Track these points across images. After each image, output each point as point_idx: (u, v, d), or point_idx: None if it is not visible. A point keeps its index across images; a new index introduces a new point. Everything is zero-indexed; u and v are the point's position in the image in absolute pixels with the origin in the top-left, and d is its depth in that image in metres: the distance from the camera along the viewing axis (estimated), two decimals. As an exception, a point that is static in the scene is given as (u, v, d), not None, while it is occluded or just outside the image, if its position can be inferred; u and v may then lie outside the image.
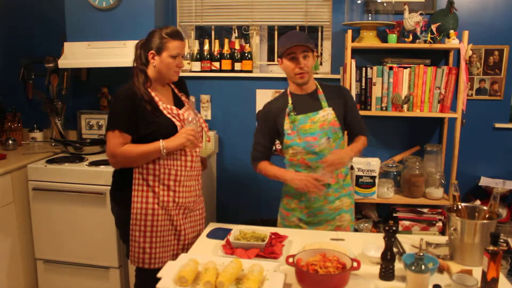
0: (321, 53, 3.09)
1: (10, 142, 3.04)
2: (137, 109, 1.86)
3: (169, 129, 1.90)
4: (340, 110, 2.04)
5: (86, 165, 2.69)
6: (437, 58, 2.87)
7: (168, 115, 1.91)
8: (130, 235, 1.95)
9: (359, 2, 2.87)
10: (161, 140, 1.85)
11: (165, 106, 1.93)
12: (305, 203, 2.06)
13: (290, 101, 2.04)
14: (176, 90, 2.09)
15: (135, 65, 1.95)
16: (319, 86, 2.07)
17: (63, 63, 2.85)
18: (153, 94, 1.92)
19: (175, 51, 1.90)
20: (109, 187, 2.07)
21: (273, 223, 2.23)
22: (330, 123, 2.00)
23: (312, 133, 1.99)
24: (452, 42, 2.62)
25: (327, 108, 2.02)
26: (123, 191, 1.95)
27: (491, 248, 1.42)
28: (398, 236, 1.82)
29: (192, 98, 2.10)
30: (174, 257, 1.99)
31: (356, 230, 2.76)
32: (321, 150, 1.98)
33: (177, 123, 1.91)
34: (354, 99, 2.70)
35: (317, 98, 2.04)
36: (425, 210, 2.75)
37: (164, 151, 1.85)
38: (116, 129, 1.85)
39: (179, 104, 2.03)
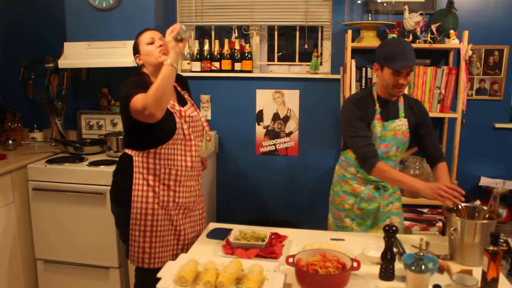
0: (321, 53, 3.09)
1: (10, 142, 3.03)
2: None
3: (169, 125, 1.89)
4: (413, 123, 2.05)
5: (86, 165, 2.69)
6: (437, 58, 2.87)
7: (171, 110, 1.91)
8: (129, 234, 1.95)
9: (359, 2, 2.87)
10: (164, 62, 1.78)
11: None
12: (358, 204, 2.08)
13: (377, 104, 2.02)
14: (179, 88, 2.09)
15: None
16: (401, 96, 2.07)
17: (63, 63, 2.85)
18: None
19: (148, 39, 1.95)
20: (109, 187, 2.07)
21: (273, 223, 2.23)
22: (402, 134, 2.02)
23: (385, 140, 2.01)
24: (452, 42, 2.62)
25: (403, 119, 2.03)
26: (123, 191, 1.94)
27: (491, 248, 1.42)
28: (398, 236, 1.83)
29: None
30: (174, 257, 1.99)
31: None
32: (388, 156, 2.02)
33: (177, 119, 1.91)
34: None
35: (397, 107, 2.05)
36: (425, 210, 2.75)
37: (175, 64, 1.78)
38: (136, 94, 1.77)
39: (181, 101, 2.03)
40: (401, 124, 2.02)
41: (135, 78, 1.91)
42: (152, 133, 1.87)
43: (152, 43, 1.95)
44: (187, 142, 1.97)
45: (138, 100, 1.74)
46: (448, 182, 1.95)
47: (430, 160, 2.11)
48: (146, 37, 1.97)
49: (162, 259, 1.97)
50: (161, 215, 1.94)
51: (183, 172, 1.97)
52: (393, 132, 2.01)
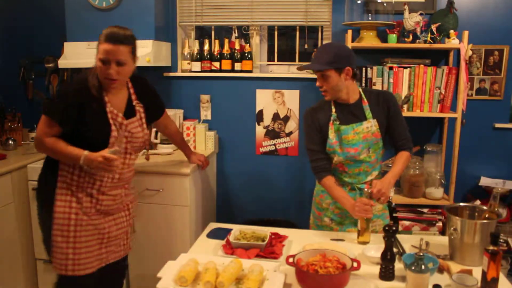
0: (321, 53, 3.09)
1: (10, 142, 3.03)
2: (82, 105, 1.80)
3: (102, 135, 1.85)
4: (383, 120, 2.00)
5: (86, 165, 2.68)
6: (437, 58, 2.87)
7: (111, 120, 1.85)
8: (52, 240, 1.88)
9: (359, 2, 2.87)
10: (85, 153, 1.79)
11: (111, 109, 1.86)
12: (336, 204, 2.04)
13: (333, 110, 2.00)
14: (133, 97, 1.98)
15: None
16: (363, 95, 2.00)
17: (63, 63, 2.84)
18: (103, 93, 1.86)
19: (102, 55, 1.79)
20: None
21: (273, 223, 2.23)
22: (373, 135, 1.98)
23: (354, 144, 1.97)
24: (452, 42, 2.62)
25: (372, 120, 1.98)
26: (48, 194, 1.90)
27: (491, 248, 1.42)
28: (398, 236, 1.83)
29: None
30: (99, 261, 1.95)
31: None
32: (360, 159, 1.98)
33: (115, 133, 1.86)
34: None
35: (361, 109, 1.99)
36: (425, 210, 2.75)
37: (83, 164, 1.81)
38: (52, 118, 1.83)
39: (131, 112, 1.95)
40: (370, 125, 1.97)
41: (83, 81, 1.85)
42: (80, 138, 1.84)
43: (104, 61, 1.80)
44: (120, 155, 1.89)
45: (41, 132, 1.85)
46: (397, 171, 1.96)
47: (397, 152, 2.07)
48: (102, 50, 1.79)
49: (86, 266, 1.90)
50: (85, 221, 1.89)
51: (108, 183, 1.92)
52: (362, 135, 1.96)
